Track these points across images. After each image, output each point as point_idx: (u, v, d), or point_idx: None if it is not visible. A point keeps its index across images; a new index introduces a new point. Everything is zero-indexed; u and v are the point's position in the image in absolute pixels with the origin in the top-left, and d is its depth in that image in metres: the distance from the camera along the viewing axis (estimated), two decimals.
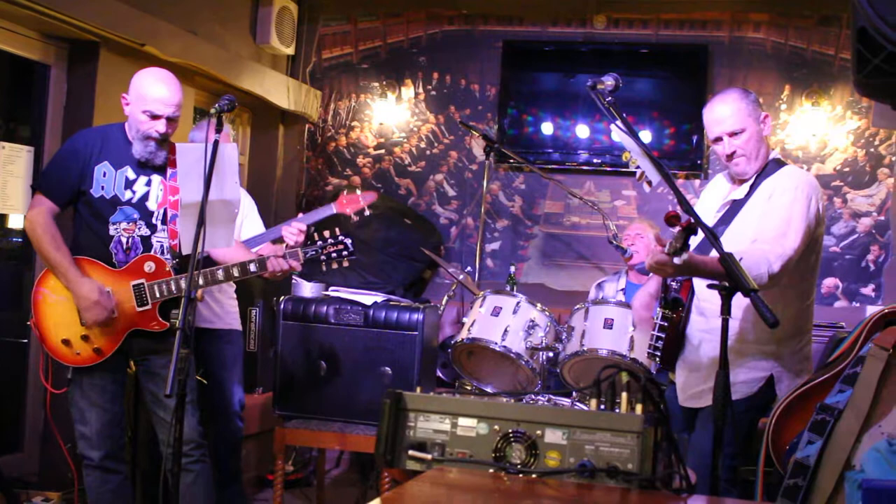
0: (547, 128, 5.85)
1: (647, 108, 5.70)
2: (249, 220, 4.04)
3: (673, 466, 1.75)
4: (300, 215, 3.75)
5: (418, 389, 1.89)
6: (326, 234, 3.27)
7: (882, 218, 5.46)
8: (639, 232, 4.64)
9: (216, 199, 2.79)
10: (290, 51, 6.04)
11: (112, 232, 3.14)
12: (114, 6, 4.24)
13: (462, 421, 1.78)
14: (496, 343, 3.74)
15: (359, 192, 3.82)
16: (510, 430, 1.75)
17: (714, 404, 2.35)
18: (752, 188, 2.93)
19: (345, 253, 3.25)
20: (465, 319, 3.99)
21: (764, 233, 2.78)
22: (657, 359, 3.01)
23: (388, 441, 1.78)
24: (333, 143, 6.26)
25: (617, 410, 1.78)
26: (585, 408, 2.16)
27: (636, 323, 3.58)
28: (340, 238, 3.26)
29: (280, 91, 5.78)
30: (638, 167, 2.77)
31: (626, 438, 1.69)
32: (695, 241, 2.52)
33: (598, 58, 5.80)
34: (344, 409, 3.71)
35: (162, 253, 3.18)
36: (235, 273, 3.14)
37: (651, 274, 2.94)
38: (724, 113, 2.92)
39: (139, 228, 3.16)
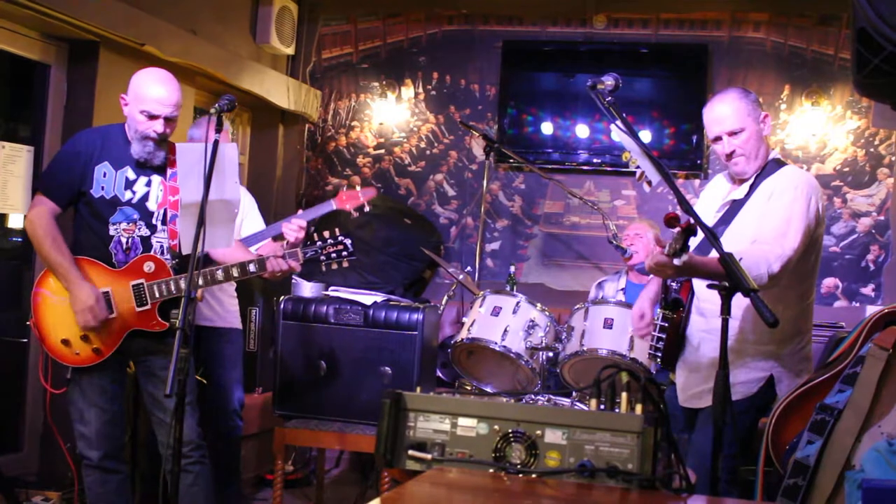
0: (547, 128, 5.85)
1: (647, 107, 5.69)
2: (250, 219, 4.04)
3: (673, 466, 1.75)
4: (300, 212, 3.75)
5: (418, 389, 1.90)
6: (326, 234, 3.27)
7: (882, 218, 5.45)
8: (638, 232, 4.65)
9: (216, 198, 2.78)
10: (290, 50, 6.04)
11: (112, 232, 3.13)
12: (114, 6, 4.24)
13: (462, 421, 1.78)
14: (496, 343, 3.74)
15: (358, 188, 3.82)
16: (510, 430, 1.74)
17: (714, 404, 2.35)
18: (752, 188, 2.93)
19: (344, 253, 3.25)
20: (464, 319, 3.99)
21: (764, 233, 2.78)
22: (658, 359, 3.02)
23: (388, 441, 1.78)
24: (333, 142, 6.26)
25: (617, 410, 1.78)
26: (585, 408, 2.16)
27: (634, 332, 3.58)
28: (340, 238, 3.26)
29: (280, 91, 5.78)
30: (638, 167, 2.77)
31: (626, 438, 1.69)
32: (695, 241, 2.52)
33: (598, 58, 5.79)
34: (344, 409, 3.71)
35: (162, 253, 3.18)
36: (235, 273, 3.14)
37: (651, 275, 2.94)
38: (723, 112, 2.92)
39: (139, 229, 3.16)
